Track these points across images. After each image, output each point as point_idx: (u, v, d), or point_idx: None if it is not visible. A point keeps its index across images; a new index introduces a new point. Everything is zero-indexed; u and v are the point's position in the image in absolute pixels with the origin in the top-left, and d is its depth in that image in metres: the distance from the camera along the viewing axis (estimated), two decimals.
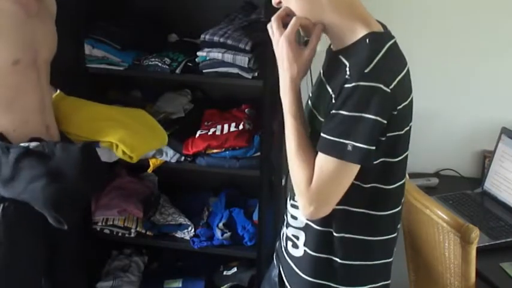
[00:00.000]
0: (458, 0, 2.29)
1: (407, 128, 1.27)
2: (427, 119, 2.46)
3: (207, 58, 2.14)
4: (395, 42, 1.25)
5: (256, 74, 2.12)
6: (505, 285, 1.74)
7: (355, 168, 1.21)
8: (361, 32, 1.22)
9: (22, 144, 1.63)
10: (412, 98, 1.28)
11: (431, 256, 1.89)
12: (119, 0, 2.41)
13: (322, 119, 1.26)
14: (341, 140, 1.18)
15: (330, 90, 1.24)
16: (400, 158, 1.29)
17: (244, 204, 2.46)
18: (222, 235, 2.32)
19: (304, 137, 1.27)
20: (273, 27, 1.28)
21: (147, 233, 2.41)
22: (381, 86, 1.15)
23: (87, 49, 2.25)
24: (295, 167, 1.26)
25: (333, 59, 1.30)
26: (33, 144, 1.64)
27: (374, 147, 1.19)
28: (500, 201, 2.18)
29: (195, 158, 2.27)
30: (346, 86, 1.17)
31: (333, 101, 1.21)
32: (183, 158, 2.28)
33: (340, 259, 1.34)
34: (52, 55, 1.79)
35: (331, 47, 1.33)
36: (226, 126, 2.26)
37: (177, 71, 2.20)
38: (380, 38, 1.23)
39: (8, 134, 1.64)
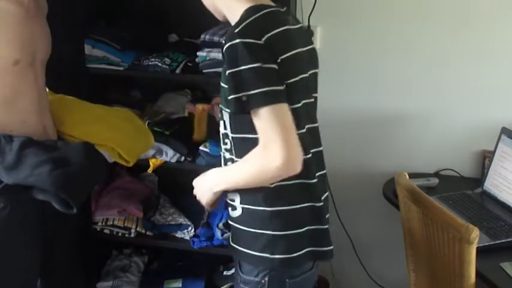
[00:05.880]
0: (460, 0, 2.30)
1: (297, 79, 1.37)
2: (427, 119, 2.46)
3: (207, 58, 2.14)
4: (274, 10, 1.37)
5: None
6: (505, 285, 1.74)
7: (280, 107, 1.28)
8: (244, 8, 1.36)
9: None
10: (298, 53, 1.37)
11: (431, 256, 1.89)
12: (119, 0, 2.41)
13: (225, 85, 1.37)
14: (238, 95, 1.29)
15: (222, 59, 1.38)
16: (298, 105, 1.38)
17: None
18: (222, 235, 2.30)
19: (232, 176, 1.44)
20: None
21: (147, 233, 2.41)
22: (250, 40, 1.27)
23: (87, 49, 2.25)
24: (244, 178, 1.38)
25: None
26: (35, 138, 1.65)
27: (272, 87, 1.27)
28: (500, 201, 2.18)
29: (195, 158, 2.28)
30: (224, 49, 1.30)
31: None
32: (183, 158, 2.29)
33: (269, 207, 1.43)
34: (47, 56, 1.78)
35: None
36: None
37: (177, 71, 2.20)
38: (257, 7, 1.34)
39: None
